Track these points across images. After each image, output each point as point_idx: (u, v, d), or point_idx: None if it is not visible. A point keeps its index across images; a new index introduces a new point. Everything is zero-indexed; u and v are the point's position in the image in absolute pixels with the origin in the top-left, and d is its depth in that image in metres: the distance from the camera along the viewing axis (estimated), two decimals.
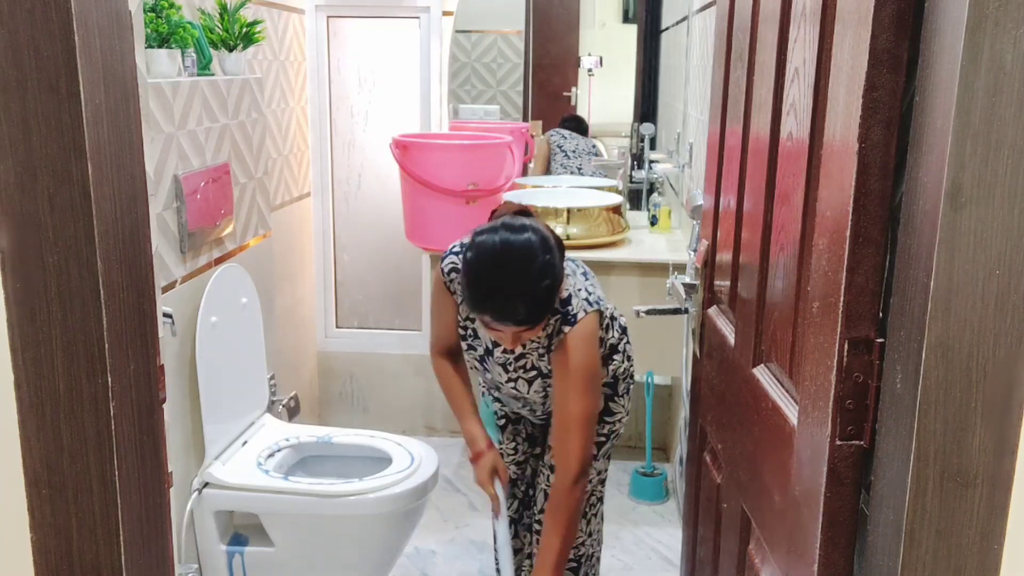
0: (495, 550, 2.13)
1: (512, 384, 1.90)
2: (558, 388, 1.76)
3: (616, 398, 2.02)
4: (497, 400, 2.09)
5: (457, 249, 1.85)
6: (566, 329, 1.73)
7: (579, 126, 4.15)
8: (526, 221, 1.68)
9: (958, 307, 0.76)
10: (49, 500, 0.96)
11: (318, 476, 2.35)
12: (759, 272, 1.24)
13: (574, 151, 4.09)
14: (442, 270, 1.87)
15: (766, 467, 1.18)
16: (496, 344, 1.86)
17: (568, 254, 1.81)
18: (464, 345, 1.95)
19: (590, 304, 1.76)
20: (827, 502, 0.92)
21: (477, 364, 1.97)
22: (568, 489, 1.78)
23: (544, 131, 4.08)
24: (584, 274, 1.88)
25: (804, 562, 0.98)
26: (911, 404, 0.79)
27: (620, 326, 2.00)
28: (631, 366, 2.06)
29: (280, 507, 2.16)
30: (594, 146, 4.14)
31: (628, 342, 2.04)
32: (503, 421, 2.15)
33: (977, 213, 0.74)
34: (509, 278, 1.61)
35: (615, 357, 1.98)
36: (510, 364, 1.87)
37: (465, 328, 1.93)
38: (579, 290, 1.78)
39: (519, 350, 1.84)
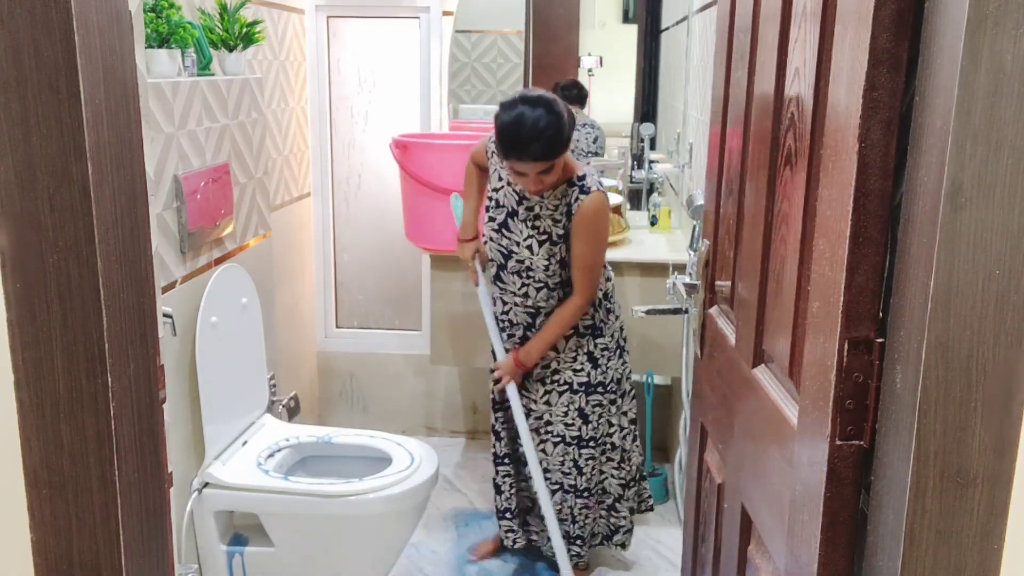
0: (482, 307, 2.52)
1: (527, 244, 2.30)
2: (575, 243, 2.27)
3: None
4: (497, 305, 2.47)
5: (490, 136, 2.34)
6: (583, 197, 2.24)
7: (579, 94, 3.94)
8: (541, 93, 2.20)
9: (958, 307, 0.76)
10: (49, 500, 0.96)
11: (318, 476, 2.35)
12: (759, 272, 1.24)
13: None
14: (486, 148, 2.42)
15: (766, 467, 1.18)
16: (520, 202, 2.30)
17: (589, 166, 2.36)
18: (487, 218, 2.39)
19: (601, 187, 2.28)
20: (827, 502, 0.92)
21: (495, 234, 2.36)
22: (576, 306, 2.31)
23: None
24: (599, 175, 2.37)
25: (804, 562, 0.98)
26: (911, 404, 0.79)
27: (613, 283, 2.48)
28: (622, 321, 2.49)
29: (280, 507, 2.16)
30: (593, 122, 3.99)
31: (615, 298, 2.49)
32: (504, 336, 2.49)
33: (977, 213, 0.74)
34: (526, 127, 2.12)
35: (610, 318, 2.42)
36: (529, 222, 2.29)
37: (491, 199, 2.38)
38: (594, 175, 2.30)
39: (537, 210, 2.28)
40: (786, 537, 1.07)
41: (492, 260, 2.40)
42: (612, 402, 2.44)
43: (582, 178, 2.26)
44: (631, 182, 3.51)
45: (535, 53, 4.00)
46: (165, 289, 2.02)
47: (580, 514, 2.50)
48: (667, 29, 3.93)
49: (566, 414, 2.42)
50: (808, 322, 0.99)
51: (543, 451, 2.46)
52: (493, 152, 2.36)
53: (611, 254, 2.86)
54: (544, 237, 2.28)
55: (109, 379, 0.93)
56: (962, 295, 0.76)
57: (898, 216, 0.84)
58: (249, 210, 2.54)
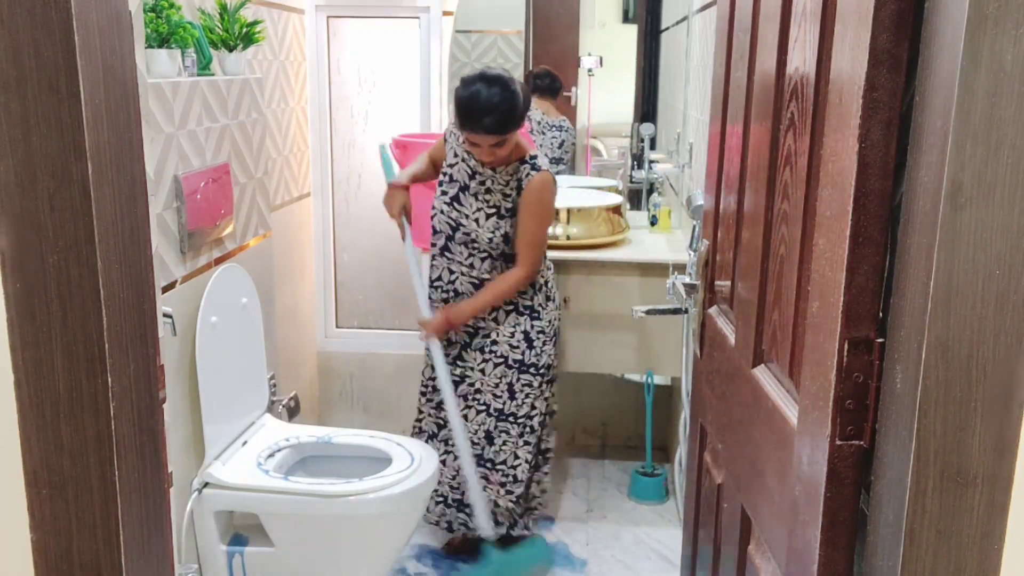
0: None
1: (475, 217, 2.44)
2: (522, 217, 2.42)
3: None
4: (436, 288, 2.58)
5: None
6: (534, 174, 2.41)
7: (551, 85, 3.90)
8: (500, 72, 2.36)
9: (958, 307, 0.76)
10: (49, 500, 0.96)
11: (318, 476, 2.35)
12: (759, 272, 1.24)
13: (539, 123, 3.92)
14: (445, 132, 2.57)
15: (766, 467, 1.18)
16: (473, 177, 2.45)
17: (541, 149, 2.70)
18: (439, 192, 2.52)
19: (549, 170, 2.45)
20: (827, 502, 0.92)
21: (445, 206, 2.49)
22: (515, 277, 2.45)
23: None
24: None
25: (804, 562, 0.98)
26: (911, 404, 0.79)
27: (552, 274, 2.61)
28: (560, 314, 2.63)
29: (280, 507, 2.16)
30: (563, 124, 3.96)
31: (555, 291, 2.61)
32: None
33: (977, 213, 0.74)
34: (481, 102, 2.28)
35: (549, 305, 2.55)
36: (480, 196, 2.44)
37: (445, 175, 2.52)
38: (545, 159, 2.47)
39: (489, 184, 2.43)
40: (786, 537, 1.07)
41: (440, 232, 2.52)
42: (540, 385, 2.55)
43: (534, 157, 2.43)
44: (631, 182, 3.51)
45: (535, 53, 4.00)
46: (165, 289, 2.02)
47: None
48: (667, 29, 3.93)
49: (496, 386, 2.53)
50: (808, 322, 0.99)
51: (465, 416, 2.55)
52: (451, 132, 2.52)
53: (611, 254, 2.86)
54: (492, 210, 2.43)
55: (109, 379, 0.93)
56: (962, 295, 0.76)
57: (898, 216, 0.84)
58: (249, 210, 2.54)
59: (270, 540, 2.20)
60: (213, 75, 2.29)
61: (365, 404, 3.62)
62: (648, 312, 2.08)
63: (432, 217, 2.54)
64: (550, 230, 2.92)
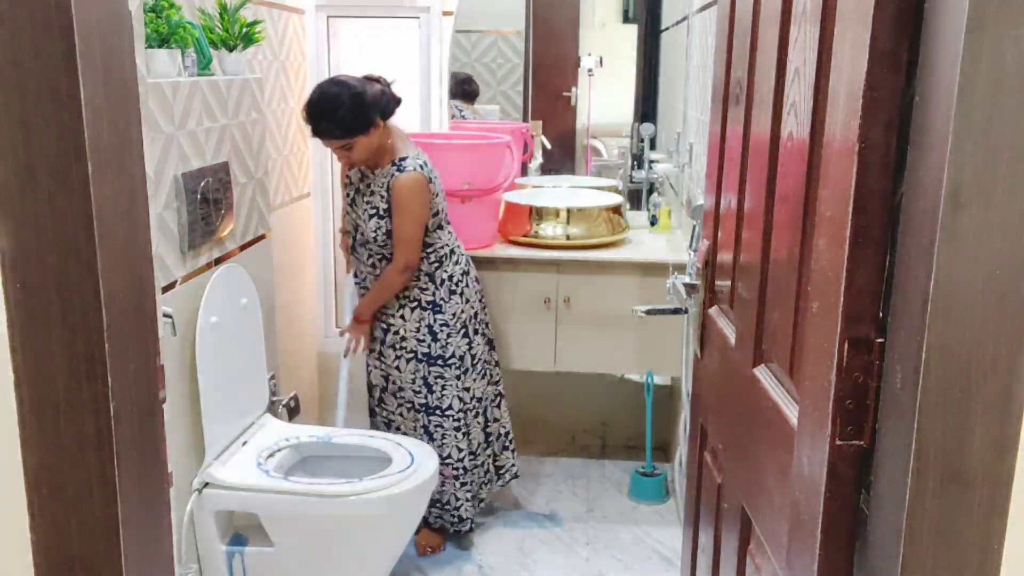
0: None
1: (364, 218, 2.58)
2: (393, 216, 2.53)
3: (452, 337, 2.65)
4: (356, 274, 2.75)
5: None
6: (398, 175, 2.51)
7: (466, 90, 3.82)
8: (349, 77, 2.51)
9: (958, 307, 0.76)
10: (49, 500, 0.96)
11: (318, 476, 2.35)
12: (759, 272, 1.24)
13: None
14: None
15: (766, 467, 1.18)
16: (362, 179, 2.61)
17: (417, 149, 2.61)
18: (345, 193, 2.69)
19: (422, 169, 2.53)
20: (827, 502, 0.92)
21: (349, 208, 2.67)
22: (390, 271, 2.57)
23: (543, 131, 3.97)
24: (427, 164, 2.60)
25: (804, 562, 0.98)
26: (911, 404, 0.79)
27: (462, 269, 2.68)
28: (474, 307, 2.71)
29: (280, 507, 2.16)
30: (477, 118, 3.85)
31: (468, 285, 2.69)
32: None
33: (977, 213, 0.74)
34: (314, 106, 2.45)
35: (453, 299, 2.64)
36: (366, 196, 2.59)
37: (349, 177, 2.68)
38: (418, 159, 2.55)
39: (372, 187, 2.57)
40: (786, 537, 1.07)
41: (350, 231, 2.68)
42: (456, 376, 2.66)
43: (403, 159, 2.54)
44: (631, 182, 3.51)
45: (535, 53, 4.00)
46: (165, 289, 2.02)
47: None
48: (667, 29, 3.93)
49: (413, 381, 2.65)
50: (808, 322, 0.99)
51: (400, 415, 2.71)
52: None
53: (611, 254, 2.86)
54: (373, 211, 2.56)
55: (109, 379, 0.93)
56: (962, 295, 0.76)
57: (898, 216, 0.84)
58: (249, 210, 2.54)
59: (270, 540, 2.20)
60: (213, 75, 2.29)
61: (365, 404, 3.61)
62: (648, 312, 2.08)
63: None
64: (550, 230, 2.93)
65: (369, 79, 2.55)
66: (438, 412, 2.66)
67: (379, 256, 2.60)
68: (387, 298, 2.62)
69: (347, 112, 2.42)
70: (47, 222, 0.89)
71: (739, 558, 1.34)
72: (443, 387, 2.65)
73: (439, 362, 2.63)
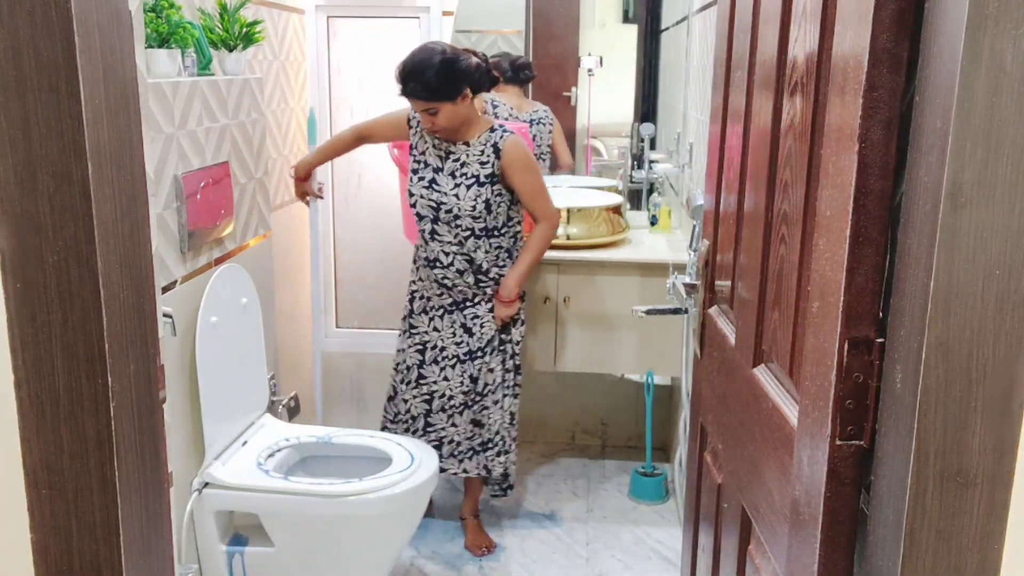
0: None
1: (455, 192, 2.50)
2: (516, 176, 2.50)
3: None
4: (421, 280, 2.67)
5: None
6: (507, 134, 2.51)
7: (518, 76, 3.65)
8: (447, 44, 2.48)
9: (958, 307, 0.76)
10: (49, 500, 0.96)
11: (318, 476, 2.35)
12: (759, 272, 1.24)
13: (508, 119, 3.59)
14: (408, 117, 2.64)
15: (766, 467, 1.18)
16: (447, 157, 2.54)
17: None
18: (415, 179, 2.57)
19: (519, 136, 2.54)
20: (827, 502, 0.92)
21: (424, 190, 2.54)
22: (543, 230, 2.56)
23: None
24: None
25: (804, 562, 0.98)
26: (911, 404, 0.79)
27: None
28: None
29: (280, 507, 2.16)
30: (546, 112, 3.75)
31: None
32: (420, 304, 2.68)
33: (977, 213, 0.74)
34: (408, 66, 2.41)
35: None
36: (457, 172, 2.51)
37: (418, 161, 2.58)
38: (509, 128, 2.56)
39: (464, 159, 2.51)
40: (786, 537, 1.07)
41: (424, 216, 2.57)
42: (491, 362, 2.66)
43: (502, 126, 2.55)
44: (631, 182, 3.51)
45: (535, 53, 3.99)
46: (165, 289, 2.02)
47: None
48: (667, 29, 3.93)
49: (461, 383, 2.62)
50: (808, 322, 0.99)
51: (452, 424, 2.66)
52: (412, 115, 2.61)
53: (611, 254, 2.86)
54: (471, 180, 2.50)
55: (109, 379, 0.93)
56: (962, 295, 0.76)
57: (898, 216, 0.84)
58: (249, 210, 2.54)
59: (270, 540, 2.20)
60: (213, 75, 2.29)
61: (365, 404, 3.62)
62: (648, 312, 2.08)
63: (412, 205, 2.58)
64: None
65: (468, 51, 2.50)
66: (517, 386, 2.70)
67: (467, 233, 2.52)
68: (541, 258, 2.61)
69: (435, 76, 2.38)
70: (47, 222, 0.89)
71: (739, 558, 1.34)
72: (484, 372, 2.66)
73: (478, 354, 2.62)
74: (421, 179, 2.57)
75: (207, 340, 2.16)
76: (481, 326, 2.58)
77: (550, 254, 2.85)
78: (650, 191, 3.53)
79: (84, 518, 0.96)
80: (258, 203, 2.61)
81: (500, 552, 2.76)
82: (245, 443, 2.34)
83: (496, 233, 2.53)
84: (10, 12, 0.85)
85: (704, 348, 1.61)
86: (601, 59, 4.00)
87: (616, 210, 3.04)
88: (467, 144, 2.51)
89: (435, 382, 2.64)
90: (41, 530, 0.97)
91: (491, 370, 2.61)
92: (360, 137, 2.77)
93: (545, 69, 4.07)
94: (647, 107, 4.21)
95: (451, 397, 2.63)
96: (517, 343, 2.66)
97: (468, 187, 2.49)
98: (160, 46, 2.02)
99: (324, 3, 3.30)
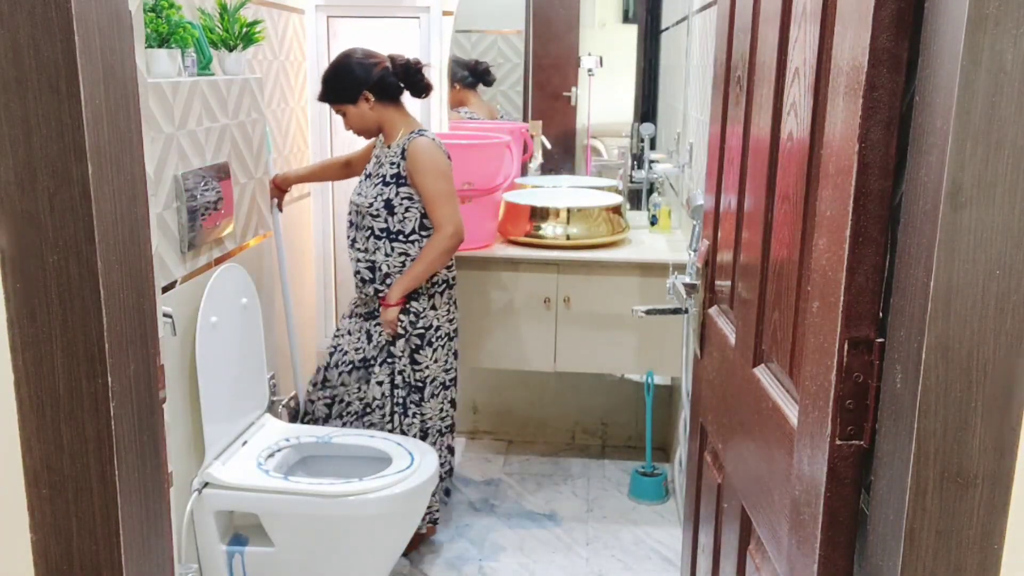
0: None
1: (365, 192, 2.55)
2: (419, 180, 2.48)
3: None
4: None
5: None
6: (415, 137, 2.50)
7: (484, 79, 3.69)
8: (350, 49, 2.57)
9: (958, 307, 0.76)
10: (49, 500, 0.96)
11: (318, 476, 2.35)
12: (759, 272, 1.24)
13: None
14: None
15: (766, 467, 1.18)
16: (372, 161, 2.62)
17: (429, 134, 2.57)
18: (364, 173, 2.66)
19: (432, 139, 2.53)
20: (827, 502, 0.92)
21: (352, 195, 2.63)
22: (439, 239, 2.48)
23: (543, 131, 3.91)
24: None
25: (804, 562, 0.98)
26: (911, 404, 0.79)
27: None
28: (450, 324, 2.65)
29: (280, 507, 2.16)
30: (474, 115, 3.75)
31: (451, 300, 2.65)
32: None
33: (977, 213, 0.74)
34: (324, 71, 2.58)
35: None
36: (374, 174, 2.57)
37: (366, 170, 2.66)
38: (430, 133, 2.57)
39: (381, 159, 2.57)
40: (786, 537, 1.07)
41: (350, 222, 2.63)
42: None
43: (422, 131, 2.55)
44: (631, 182, 3.51)
45: (535, 53, 4.00)
46: (165, 289, 2.02)
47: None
48: (667, 29, 3.93)
49: (446, 362, 2.64)
50: (808, 322, 0.99)
51: (431, 407, 2.63)
52: None
53: (611, 254, 2.86)
54: (379, 180, 2.54)
55: (109, 379, 0.93)
56: (962, 295, 0.76)
57: (898, 216, 0.84)
58: (249, 210, 2.54)
59: (270, 540, 2.20)
60: (213, 75, 2.29)
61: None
62: (648, 312, 2.08)
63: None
64: (549, 230, 2.93)
65: (391, 57, 2.56)
66: (452, 383, 2.71)
67: (367, 232, 2.54)
68: (431, 272, 2.51)
69: (329, 80, 2.54)
70: (47, 222, 0.89)
71: (739, 558, 1.34)
72: (455, 358, 2.69)
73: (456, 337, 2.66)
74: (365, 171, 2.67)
75: (207, 340, 2.16)
76: (380, 334, 2.59)
77: (550, 254, 2.85)
78: (650, 191, 3.53)
79: (84, 518, 0.96)
80: (258, 203, 2.62)
81: (500, 552, 2.77)
82: (245, 443, 2.34)
83: (401, 238, 2.51)
84: (10, 12, 0.85)
85: (704, 348, 1.61)
86: (601, 59, 4.00)
87: (616, 210, 3.04)
88: (388, 147, 2.57)
89: (335, 387, 2.67)
90: (41, 530, 0.97)
91: (379, 383, 2.58)
92: (347, 162, 2.86)
93: (545, 69, 4.07)
94: (647, 107, 4.21)
95: (348, 403, 2.66)
96: (409, 363, 2.57)
97: (374, 185, 2.54)
98: (160, 46, 2.02)
99: (324, 3, 3.30)
